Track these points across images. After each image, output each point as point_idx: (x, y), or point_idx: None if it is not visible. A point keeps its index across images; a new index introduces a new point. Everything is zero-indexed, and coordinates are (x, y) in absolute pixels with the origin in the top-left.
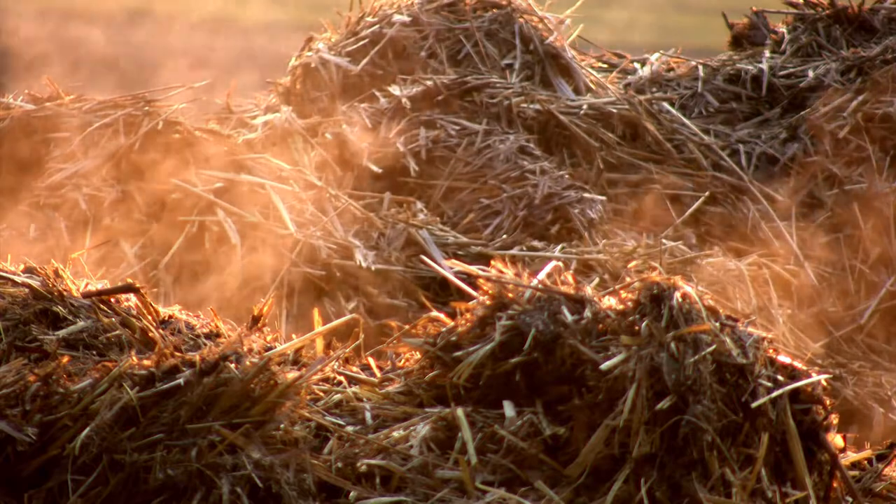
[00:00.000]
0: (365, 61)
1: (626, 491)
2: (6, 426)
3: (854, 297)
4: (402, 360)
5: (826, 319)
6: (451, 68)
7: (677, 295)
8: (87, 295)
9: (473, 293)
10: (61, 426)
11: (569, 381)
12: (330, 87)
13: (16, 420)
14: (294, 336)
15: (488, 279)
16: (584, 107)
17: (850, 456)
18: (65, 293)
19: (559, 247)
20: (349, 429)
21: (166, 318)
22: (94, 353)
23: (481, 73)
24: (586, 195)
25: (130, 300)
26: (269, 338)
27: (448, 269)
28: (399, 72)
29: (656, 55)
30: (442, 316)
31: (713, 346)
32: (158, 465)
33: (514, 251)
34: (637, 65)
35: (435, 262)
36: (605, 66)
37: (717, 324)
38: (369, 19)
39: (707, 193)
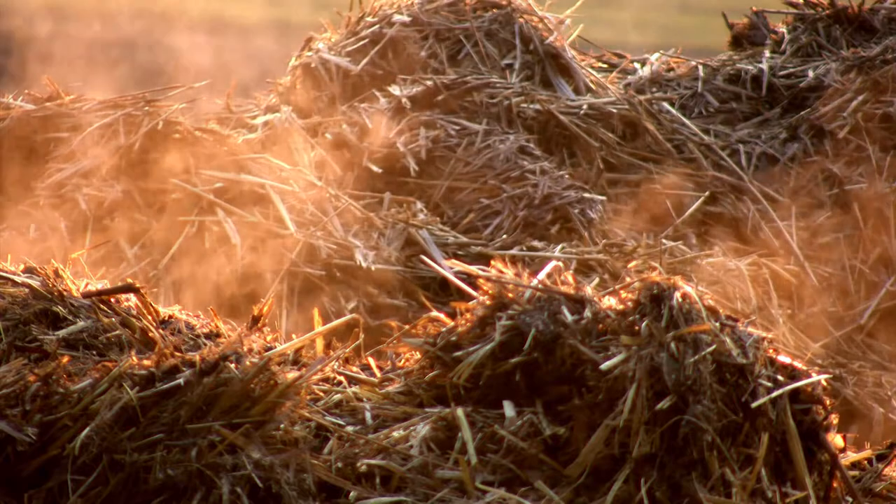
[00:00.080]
0: (365, 61)
1: (626, 491)
2: (6, 426)
3: (854, 297)
4: (402, 360)
5: (826, 319)
6: (451, 68)
7: (677, 295)
8: (87, 295)
9: (473, 293)
10: (61, 426)
11: (569, 381)
12: (330, 87)
13: (16, 420)
14: (294, 336)
15: (488, 279)
16: (584, 107)
17: (850, 456)
18: (65, 293)
19: (559, 247)
20: (349, 429)
21: (166, 318)
22: (94, 353)
23: (481, 73)
24: (586, 195)
25: (130, 300)
26: (269, 338)
27: (448, 269)
28: (399, 72)
29: (656, 55)
30: (442, 316)
31: (713, 346)
32: (158, 465)
33: (514, 251)
34: (637, 65)
35: (435, 262)
36: (605, 66)
37: (717, 324)
38: (369, 19)
39: (707, 193)
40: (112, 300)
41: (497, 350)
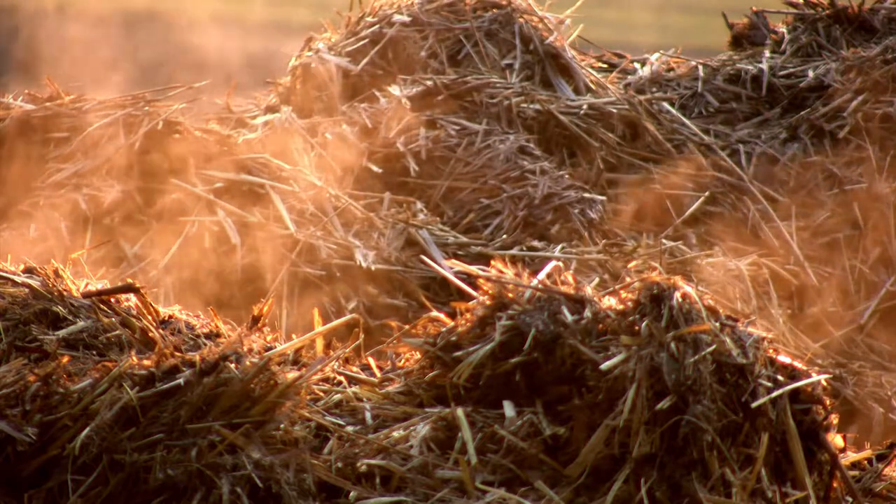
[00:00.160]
0: (365, 61)
1: (626, 491)
2: (6, 426)
3: (854, 297)
4: (402, 360)
5: (826, 319)
6: (451, 68)
7: (677, 295)
8: (87, 295)
9: (473, 293)
10: (61, 426)
11: (569, 381)
12: (330, 87)
13: (16, 420)
14: (294, 336)
15: (488, 279)
16: (584, 107)
17: (850, 456)
18: (65, 293)
19: (559, 247)
20: (349, 429)
21: (166, 318)
22: (94, 353)
23: (481, 73)
24: (586, 195)
25: (130, 300)
26: (269, 338)
27: (448, 269)
28: (399, 72)
29: (656, 55)
30: (442, 316)
31: (713, 346)
32: (158, 465)
33: (514, 251)
34: (637, 65)
35: (435, 262)
36: (605, 66)
37: (717, 324)
38: (369, 19)
39: (707, 193)
40: (112, 300)
41: (497, 350)
